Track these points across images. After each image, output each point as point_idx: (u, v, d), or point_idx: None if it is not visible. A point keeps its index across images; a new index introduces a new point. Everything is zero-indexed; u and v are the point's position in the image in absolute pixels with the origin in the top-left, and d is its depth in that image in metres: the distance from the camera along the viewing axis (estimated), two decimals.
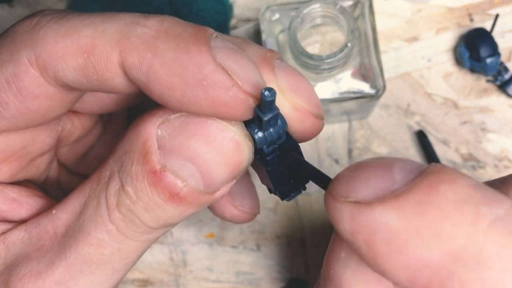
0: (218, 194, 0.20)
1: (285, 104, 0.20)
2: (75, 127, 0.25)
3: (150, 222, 0.20)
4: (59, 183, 0.27)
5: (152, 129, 0.19)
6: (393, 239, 0.14)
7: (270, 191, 0.23)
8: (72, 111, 0.24)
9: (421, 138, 0.41)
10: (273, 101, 0.18)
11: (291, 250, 0.42)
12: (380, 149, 0.41)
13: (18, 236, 0.21)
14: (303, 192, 0.22)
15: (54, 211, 0.21)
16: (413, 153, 0.41)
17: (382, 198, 0.15)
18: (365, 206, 0.15)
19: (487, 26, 0.41)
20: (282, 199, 0.22)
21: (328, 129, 0.42)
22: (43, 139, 0.23)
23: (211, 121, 0.19)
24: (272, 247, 0.42)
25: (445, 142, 0.41)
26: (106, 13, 0.19)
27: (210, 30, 0.19)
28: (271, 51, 0.21)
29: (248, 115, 0.19)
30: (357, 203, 0.15)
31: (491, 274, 0.13)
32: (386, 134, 0.41)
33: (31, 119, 0.21)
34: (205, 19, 0.42)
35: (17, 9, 0.45)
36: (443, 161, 0.41)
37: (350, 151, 0.42)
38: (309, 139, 0.22)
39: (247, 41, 0.21)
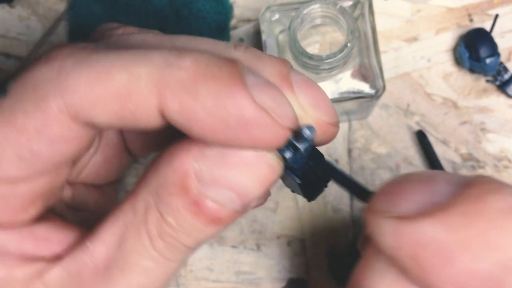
0: (250, 207, 0.21)
1: (308, 121, 0.21)
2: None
3: (191, 244, 0.21)
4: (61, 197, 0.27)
5: (190, 164, 0.19)
6: (441, 252, 0.14)
7: (293, 191, 0.24)
8: None
9: (421, 138, 0.41)
10: (313, 138, 0.19)
11: (291, 250, 0.42)
12: (380, 149, 0.41)
13: (57, 275, 0.21)
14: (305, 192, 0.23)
15: (89, 245, 0.21)
16: (413, 153, 0.41)
17: (427, 212, 0.15)
18: (409, 221, 0.15)
19: (487, 26, 0.41)
20: (309, 200, 0.23)
21: None
22: (65, 172, 0.24)
23: (249, 152, 0.19)
24: (272, 247, 0.42)
25: (444, 142, 0.41)
26: (134, 50, 0.19)
27: (240, 64, 0.19)
28: (283, 63, 0.22)
29: (283, 144, 0.20)
30: (400, 218, 0.15)
31: None
32: (386, 134, 0.41)
33: (61, 162, 0.21)
34: (205, 19, 0.42)
35: (17, 9, 0.45)
36: (442, 161, 0.41)
37: (350, 151, 0.42)
38: (325, 144, 0.23)
39: (259, 55, 0.22)
